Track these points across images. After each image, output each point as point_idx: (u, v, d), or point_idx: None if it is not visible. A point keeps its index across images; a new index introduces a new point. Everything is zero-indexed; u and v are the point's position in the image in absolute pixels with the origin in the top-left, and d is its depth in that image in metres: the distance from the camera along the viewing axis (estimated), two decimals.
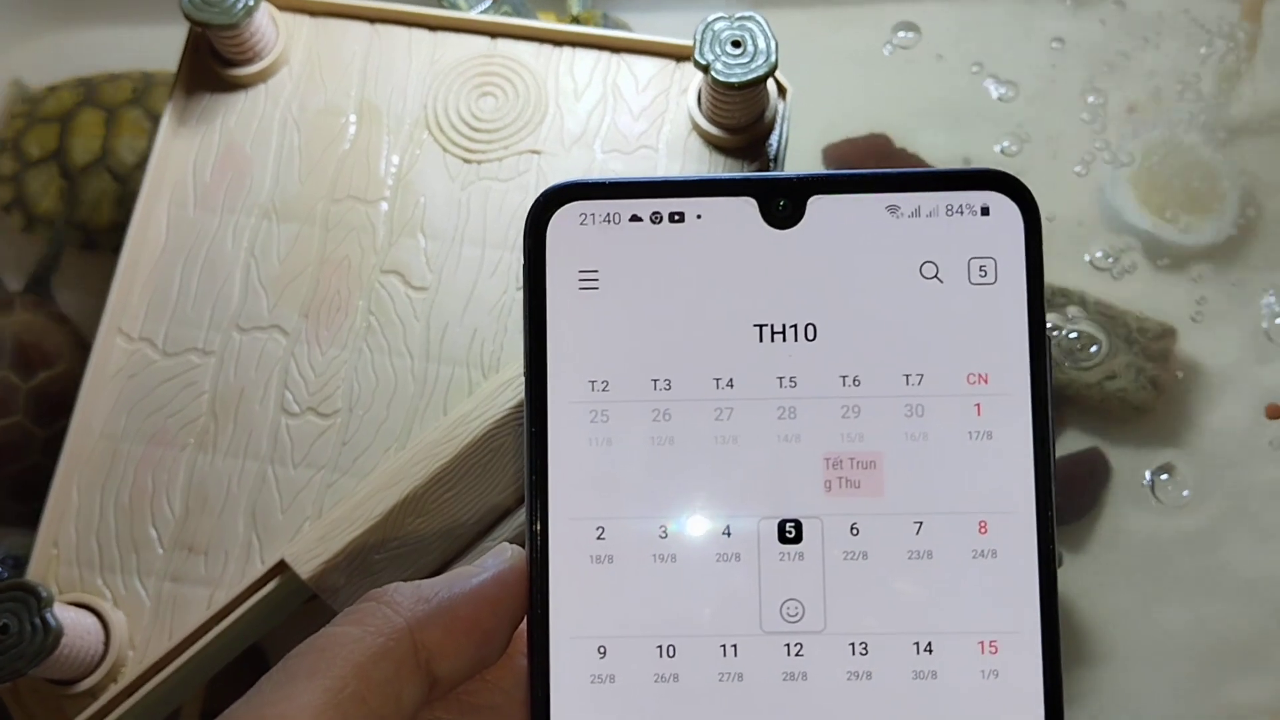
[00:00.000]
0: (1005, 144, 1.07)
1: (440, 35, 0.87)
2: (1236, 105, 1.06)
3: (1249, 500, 0.97)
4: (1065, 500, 0.96)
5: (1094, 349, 0.96)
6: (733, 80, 0.76)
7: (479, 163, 0.84)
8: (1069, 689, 0.93)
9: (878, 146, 1.09)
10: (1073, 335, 0.96)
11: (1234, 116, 1.06)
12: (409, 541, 0.75)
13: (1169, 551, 0.96)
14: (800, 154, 1.09)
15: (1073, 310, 0.97)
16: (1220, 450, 0.98)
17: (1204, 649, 0.94)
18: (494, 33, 0.86)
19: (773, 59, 0.76)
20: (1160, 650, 0.94)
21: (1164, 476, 0.97)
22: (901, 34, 1.11)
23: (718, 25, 0.77)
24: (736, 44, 0.76)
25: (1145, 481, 0.98)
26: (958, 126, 1.08)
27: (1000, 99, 1.08)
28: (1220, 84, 1.07)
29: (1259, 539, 0.96)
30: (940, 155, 1.07)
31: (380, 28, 0.87)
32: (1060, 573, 0.91)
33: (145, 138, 1.01)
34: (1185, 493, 0.97)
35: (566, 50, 0.86)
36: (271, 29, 0.85)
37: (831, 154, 1.09)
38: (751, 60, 0.76)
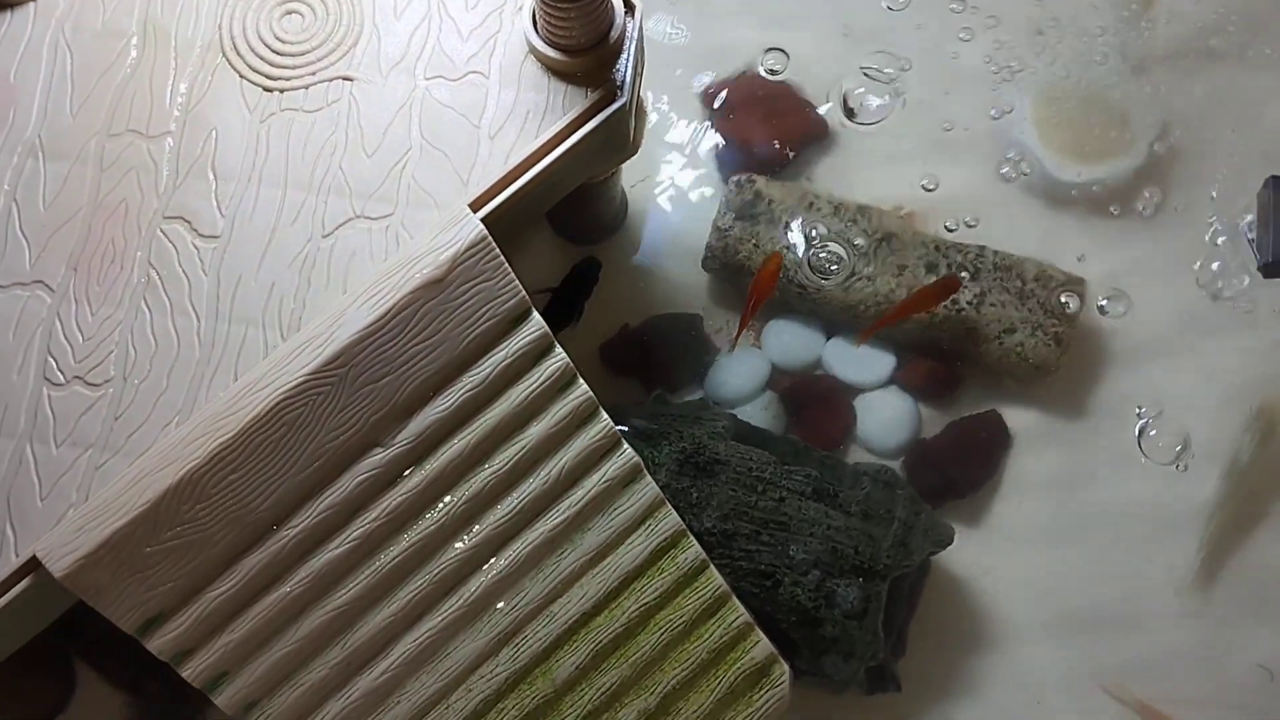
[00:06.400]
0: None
1: None
2: (1149, 33, 0.97)
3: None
4: (960, 471, 0.87)
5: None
6: None
7: (281, 91, 0.72)
8: (972, 673, 0.84)
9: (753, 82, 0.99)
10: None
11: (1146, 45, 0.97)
12: (188, 532, 0.64)
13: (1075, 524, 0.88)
14: (672, 87, 0.99)
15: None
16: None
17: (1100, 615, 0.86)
18: None
19: None
20: (1060, 626, 0.86)
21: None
22: None
23: None
24: None
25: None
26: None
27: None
28: (1126, 10, 0.98)
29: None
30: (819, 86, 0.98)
31: None
32: (955, 552, 0.83)
33: None
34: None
35: None
36: None
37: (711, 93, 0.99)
38: None
